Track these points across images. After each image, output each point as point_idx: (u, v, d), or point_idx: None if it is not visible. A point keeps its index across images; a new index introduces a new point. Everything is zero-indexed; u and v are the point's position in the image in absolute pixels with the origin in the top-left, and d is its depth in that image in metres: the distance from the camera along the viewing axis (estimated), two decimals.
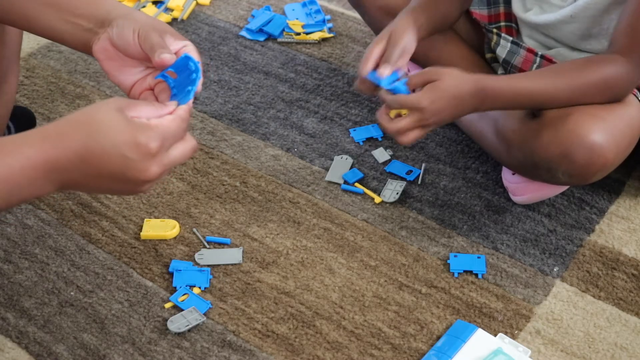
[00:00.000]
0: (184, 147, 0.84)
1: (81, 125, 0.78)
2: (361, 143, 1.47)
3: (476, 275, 1.23)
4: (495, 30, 1.36)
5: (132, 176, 0.79)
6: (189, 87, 0.90)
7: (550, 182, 1.24)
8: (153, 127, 0.80)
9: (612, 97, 1.18)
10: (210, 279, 1.22)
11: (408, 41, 1.18)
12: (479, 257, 1.25)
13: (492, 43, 1.36)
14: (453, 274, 1.23)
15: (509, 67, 1.37)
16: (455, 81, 1.12)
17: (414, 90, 1.14)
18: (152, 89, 0.95)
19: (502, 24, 1.40)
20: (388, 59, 1.16)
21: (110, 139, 0.78)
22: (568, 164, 1.14)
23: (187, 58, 0.92)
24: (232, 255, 1.25)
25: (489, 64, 1.44)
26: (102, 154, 0.78)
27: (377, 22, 1.49)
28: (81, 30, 0.95)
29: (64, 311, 1.18)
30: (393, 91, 1.13)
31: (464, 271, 1.23)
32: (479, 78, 1.15)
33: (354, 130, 1.50)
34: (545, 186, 1.28)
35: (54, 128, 0.79)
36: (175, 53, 0.92)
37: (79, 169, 0.78)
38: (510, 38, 1.33)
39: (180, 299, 1.18)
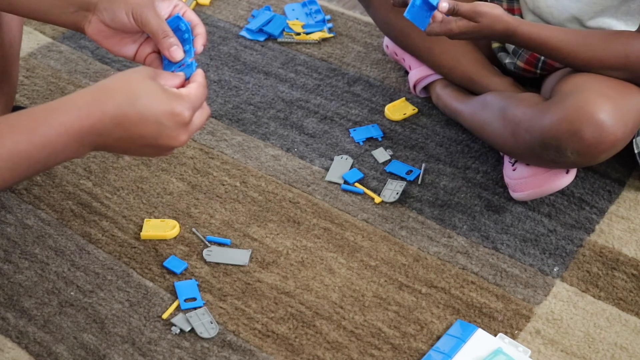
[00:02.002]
0: (202, 115, 0.89)
1: (117, 91, 0.82)
2: (361, 143, 1.47)
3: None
4: None
5: (163, 142, 0.84)
6: (186, 47, 0.95)
7: (557, 164, 1.24)
8: (185, 96, 0.85)
9: (630, 74, 1.21)
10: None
11: None
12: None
13: None
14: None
15: (517, 56, 1.39)
16: (493, 24, 1.19)
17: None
18: (155, 52, 1.00)
19: None
20: None
21: (148, 106, 0.82)
22: (577, 142, 1.15)
23: (178, 19, 0.96)
24: (239, 256, 1.25)
25: (495, 54, 1.46)
26: (139, 119, 0.82)
27: (381, 16, 1.49)
28: (68, 14, 0.98)
29: (64, 311, 1.18)
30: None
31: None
32: (512, 23, 1.20)
33: (354, 130, 1.50)
34: (546, 181, 1.28)
35: (90, 95, 0.82)
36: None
37: (114, 133, 0.82)
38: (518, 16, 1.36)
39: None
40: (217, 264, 1.25)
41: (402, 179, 1.40)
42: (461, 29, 1.18)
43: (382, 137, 1.48)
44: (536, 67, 1.40)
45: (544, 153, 1.21)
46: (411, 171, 1.41)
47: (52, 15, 1.00)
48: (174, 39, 0.94)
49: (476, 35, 1.20)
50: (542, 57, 1.38)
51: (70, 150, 0.82)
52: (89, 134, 0.81)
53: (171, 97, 0.84)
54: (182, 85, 0.90)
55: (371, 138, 1.49)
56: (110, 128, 0.82)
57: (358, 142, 1.48)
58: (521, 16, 1.41)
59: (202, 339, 1.14)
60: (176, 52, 0.95)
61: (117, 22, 0.96)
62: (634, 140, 1.31)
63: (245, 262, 1.24)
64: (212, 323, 1.15)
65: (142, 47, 1.00)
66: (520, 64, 1.41)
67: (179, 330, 1.14)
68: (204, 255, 1.25)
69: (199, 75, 0.91)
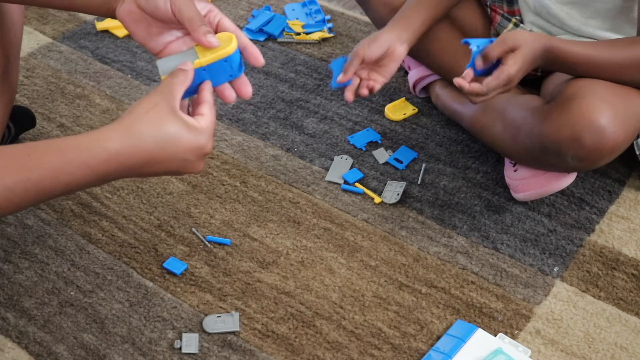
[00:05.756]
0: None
1: (147, 135, 0.85)
2: (364, 148, 1.46)
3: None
4: (503, 13, 1.39)
5: (185, 171, 0.89)
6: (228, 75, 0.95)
7: (557, 168, 1.24)
8: (205, 129, 0.87)
9: None
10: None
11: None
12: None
13: (496, 24, 1.39)
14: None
15: None
16: (531, 45, 1.17)
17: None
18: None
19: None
20: None
21: (177, 147, 0.86)
22: (578, 148, 1.15)
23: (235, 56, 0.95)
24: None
25: None
26: (167, 159, 0.86)
27: (381, 17, 1.49)
28: None
29: (64, 311, 1.18)
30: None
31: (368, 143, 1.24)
32: (547, 40, 1.19)
33: (352, 137, 1.48)
34: (547, 182, 1.28)
35: (119, 138, 0.84)
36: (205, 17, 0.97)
37: (140, 169, 0.86)
38: (515, 18, 1.38)
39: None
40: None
41: (396, 168, 1.40)
42: (510, 72, 1.15)
43: (381, 139, 1.48)
44: (537, 68, 1.39)
45: (544, 157, 1.21)
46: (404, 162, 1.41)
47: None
48: (209, 28, 0.93)
49: (522, 64, 1.16)
50: None
51: (90, 184, 0.85)
52: (115, 171, 0.84)
53: (195, 133, 0.86)
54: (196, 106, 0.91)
55: (372, 141, 1.49)
56: (137, 166, 0.85)
57: (360, 148, 1.47)
58: (521, 17, 1.41)
59: (203, 339, 1.14)
60: (212, 40, 0.92)
61: (151, 3, 0.94)
62: (634, 142, 1.31)
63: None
64: (232, 316, 1.15)
65: (170, 46, 0.98)
66: None
67: (180, 345, 1.13)
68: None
69: (207, 92, 0.91)
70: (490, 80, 1.14)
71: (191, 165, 0.88)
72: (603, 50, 1.21)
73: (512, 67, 1.14)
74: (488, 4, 1.43)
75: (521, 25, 1.39)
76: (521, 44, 1.15)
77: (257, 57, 0.96)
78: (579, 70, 1.22)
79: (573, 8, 1.31)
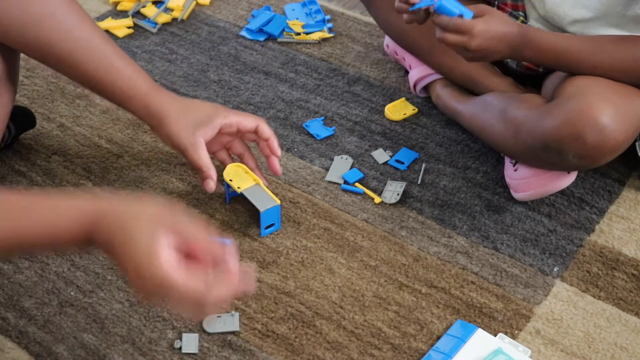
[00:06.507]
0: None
1: (120, 235, 0.84)
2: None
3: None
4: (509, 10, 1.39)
5: (131, 279, 0.84)
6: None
7: (558, 166, 1.24)
8: (193, 288, 0.83)
9: (637, 79, 1.22)
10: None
11: None
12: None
13: None
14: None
15: None
16: (503, 24, 1.20)
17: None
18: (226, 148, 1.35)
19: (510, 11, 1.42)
20: None
21: (134, 261, 0.82)
22: (579, 146, 1.15)
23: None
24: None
25: None
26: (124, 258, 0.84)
27: (383, 15, 1.49)
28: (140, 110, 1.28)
29: (64, 311, 1.18)
30: (440, 10, 1.19)
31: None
32: (524, 28, 1.22)
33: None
34: (547, 181, 1.28)
35: (103, 213, 0.87)
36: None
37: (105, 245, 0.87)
38: (521, 15, 1.38)
39: None
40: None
41: (396, 168, 1.40)
42: (475, 40, 1.18)
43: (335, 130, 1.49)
44: (539, 65, 1.39)
45: (545, 155, 1.21)
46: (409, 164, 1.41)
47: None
48: (213, 177, 1.25)
49: (490, 41, 1.19)
50: None
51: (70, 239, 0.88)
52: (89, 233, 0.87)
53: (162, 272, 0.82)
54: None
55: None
56: (103, 244, 0.86)
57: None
58: (525, 14, 1.41)
59: (202, 339, 1.14)
60: (208, 185, 1.25)
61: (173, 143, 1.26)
62: (636, 143, 1.31)
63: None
64: (232, 316, 1.15)
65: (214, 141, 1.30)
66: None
67: (179, 345, 1.13)
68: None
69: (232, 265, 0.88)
70: (445, 17, 1.19)
71: (142, 282, 0.82)
72: (588, 44, 1.22)
73: (478, 24, 1.17)
74: (496, 3, 1.43)
75: (528, 24, 1.39)
76: (492, 12, 1.19)
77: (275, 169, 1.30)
78: (561, 63, 1.24)
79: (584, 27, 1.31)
